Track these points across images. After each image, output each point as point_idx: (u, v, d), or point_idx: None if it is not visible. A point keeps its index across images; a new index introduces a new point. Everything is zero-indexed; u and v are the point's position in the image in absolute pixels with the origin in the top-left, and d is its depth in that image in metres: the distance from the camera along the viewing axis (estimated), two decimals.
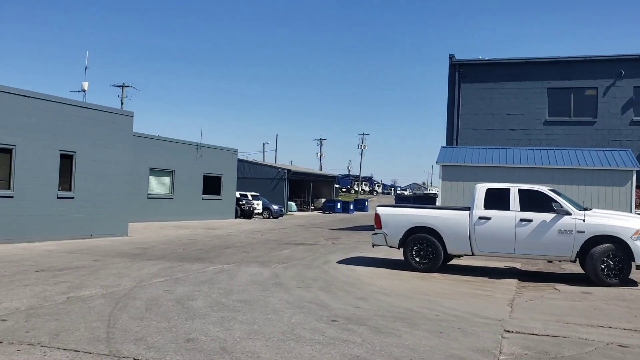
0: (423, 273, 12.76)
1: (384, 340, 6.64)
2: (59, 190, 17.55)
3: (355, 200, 69.11)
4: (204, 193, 32.60)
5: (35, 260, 12.78)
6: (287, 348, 6.22)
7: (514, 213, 12.41)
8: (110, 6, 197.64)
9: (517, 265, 15.10)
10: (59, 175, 17.58)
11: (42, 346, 6.04)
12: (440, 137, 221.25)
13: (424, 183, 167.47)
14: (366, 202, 69.17)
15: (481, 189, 12.92)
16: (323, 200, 61.26)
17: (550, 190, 12.72)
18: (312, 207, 60.52)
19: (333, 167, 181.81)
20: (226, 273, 11.81)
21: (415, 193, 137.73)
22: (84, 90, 25.68)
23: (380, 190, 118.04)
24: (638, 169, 19.31)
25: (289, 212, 50.59)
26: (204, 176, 32.64)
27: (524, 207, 12.41)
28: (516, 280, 12.44)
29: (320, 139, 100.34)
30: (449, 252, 13.03)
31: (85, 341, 6.25)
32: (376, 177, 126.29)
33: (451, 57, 25.31)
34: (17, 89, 16.38)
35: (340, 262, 14.54)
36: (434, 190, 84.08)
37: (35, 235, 16.75)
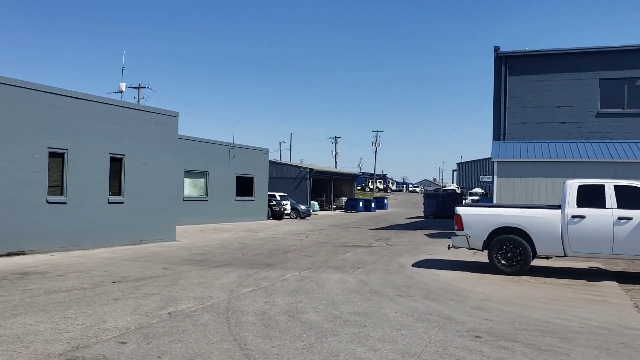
0: (512, 276, 12.05)
1: None
2: (109, 195, 16.91)
3: (375, 198, 68.32)
4: (236, 194, 31.92)
5: (105, 270, 12.12)
6: None
7: (611, 211, 11.66)
8: (129, 11, 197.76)
9: (600, 265, 14.36)
10: (109, 180, 16.92)
11: None
12: (455, 132, 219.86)
13: (434, 179, 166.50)
14: (385, 200, 68.41)
15: (572, 185, 12.18)
16: (344, 199, 60.49)
17: None
18: (334, 206, 59.74)
19: (345, 165, 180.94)
20: (310, 281, 11.10)
21: (426, 190, 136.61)
22: (121, 92, 24.95)
23: (394, 187, 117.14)
24: None
25: (312, 212, 49.83)
26: (237, 177, 31.96)
27: (621, 205, 11.67)
28: (615, 282, 11.72)
29: (335, 137, 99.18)
30: (538, 253, 12.31)
31: None
32: (386, 174, 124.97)
33: (496, 49, 24.43)
34: (69, 91, 15.75)
35: (416, 265, 13.82)
36: (452, 187, 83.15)
37: (89, 242, 16.12)
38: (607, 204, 11.75)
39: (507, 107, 24.12)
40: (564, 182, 12.46)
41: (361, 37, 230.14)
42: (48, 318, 7.49)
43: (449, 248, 13.90)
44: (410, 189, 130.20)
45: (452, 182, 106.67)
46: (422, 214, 46.91)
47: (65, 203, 15.52)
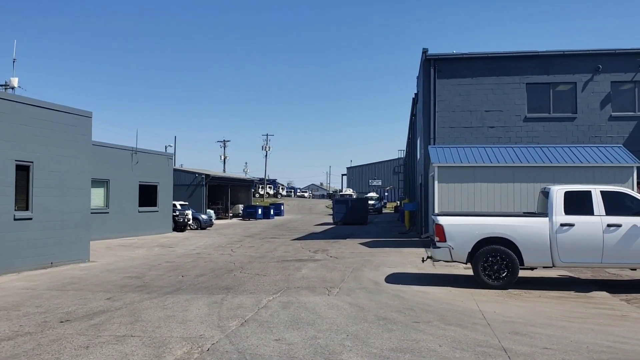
0: (499, 290, 11.22)
1: None
2: (15, 210, 14.14)
3: (272, 204, 66.62)
4: (140, 204, 28.99)
5: (36, 305, 9.73)
6: None
7: (600, 218, 11.19)
8: None
9: (568, 273, 13.98)
10: (14, 192, 14.16)
11: None
12: (343, 135, 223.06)
13: (321, 184, 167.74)
14: (282, 207, 66.93)
15: (558, 192, 11.59)
16: (241, 206, 58.23)
17: (633, 191, 11.65)
18: (231, 214, 57.29)
19: (233, 170, 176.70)
20: (296, 308, 9.52)
21: (313, 194, 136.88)
22: (12, 87, 21.34)
23: (284, 193, 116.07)
24: (638, 164, 19.01)
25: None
26: (140, 185, 29.03)
27: (609, 211, 11.24)
28: (605, 292, 11.25)
29: (224, 140, 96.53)
30: (525, 264, 11.60)
31: None
32: (276, 179, 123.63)
33: (425, 51, 23.99)
34: None
35: (389, 281, 12.63)
36: (348, 192, 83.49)
37: None
38: (595, 211, 11.27)
39: (436, 110, 23.74)
40: (549, 189, 11.85)
41: (250, 35, 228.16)
42: None
43: (423, 261, 12.95)
44: (298, 194, 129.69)
45: (345, 187, 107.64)
46: (329, 220, 46.12)
47: None
